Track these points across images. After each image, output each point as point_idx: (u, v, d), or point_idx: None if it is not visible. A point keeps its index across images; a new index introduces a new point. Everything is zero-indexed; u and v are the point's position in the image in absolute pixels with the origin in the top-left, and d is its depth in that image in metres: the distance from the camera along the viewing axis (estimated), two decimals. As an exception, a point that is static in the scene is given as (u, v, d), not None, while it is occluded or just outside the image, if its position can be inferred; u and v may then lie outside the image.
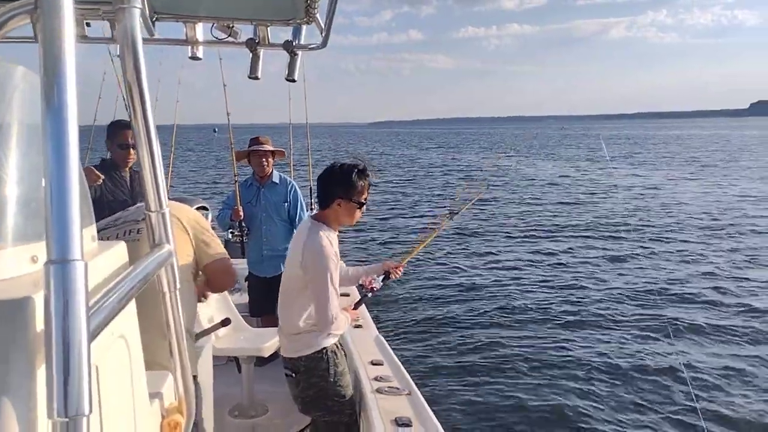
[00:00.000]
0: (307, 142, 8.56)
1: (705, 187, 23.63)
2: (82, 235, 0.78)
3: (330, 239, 2.81)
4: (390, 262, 3.36)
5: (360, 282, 3.28)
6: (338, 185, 2.81)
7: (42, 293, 0.79)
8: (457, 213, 4.08)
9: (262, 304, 4.86)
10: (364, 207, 2.90)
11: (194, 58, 2.29)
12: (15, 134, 1.08)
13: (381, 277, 3.26)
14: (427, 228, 4.00)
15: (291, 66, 2.27)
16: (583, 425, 5.35)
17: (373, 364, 3.29)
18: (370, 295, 3.32)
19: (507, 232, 14.38)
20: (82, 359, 0.75)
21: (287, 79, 2.32)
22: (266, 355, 3.98)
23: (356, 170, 2.84)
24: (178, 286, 1.49)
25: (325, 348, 2.86)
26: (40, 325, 0.88)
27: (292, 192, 5.03)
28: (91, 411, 0.75)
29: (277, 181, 5.03)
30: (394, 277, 3.31)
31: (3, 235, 1.01)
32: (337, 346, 2.96)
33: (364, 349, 3.51)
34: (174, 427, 1.55)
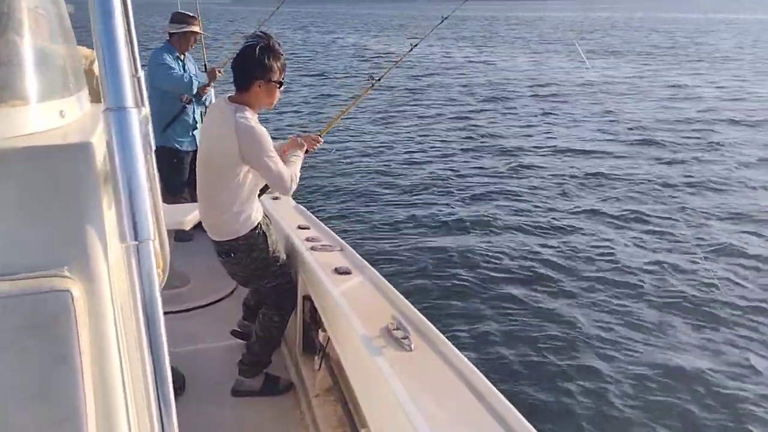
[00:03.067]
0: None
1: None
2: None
3: (256, 121, 2.86)
4: (307, 135, 3.41)
5: (287, 150, 3.29)
6: (257, 66, 2.80)
7: (95, 137, 0.95)
8: (379, 80, 4.17)
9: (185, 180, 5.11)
10: (282, 86, 2.92)
11: None
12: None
13: (299, 152, 3.30)
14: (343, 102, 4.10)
15: None
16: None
17: (301, 228, 3.50)
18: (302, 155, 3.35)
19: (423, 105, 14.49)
20: (144, 192, 0.87)
21: None
22: (188, 228, 4.06)
23: (273, 50, 2.84)
24: (153, 147, 1.56)
25: (258, 222, 2.98)
26: (99, 164, 0.99)
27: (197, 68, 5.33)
28: (153, 237, 0.89)
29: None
30: (311, 150, 3.38)
31: (32, 92, 1.08)
32: (266, 215, 3.12)
33: (288, 216, 3.71)
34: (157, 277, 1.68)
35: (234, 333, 3.54)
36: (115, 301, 1.02)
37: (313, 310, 3.09)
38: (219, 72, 5.20)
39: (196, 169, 3.02)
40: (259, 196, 3.09)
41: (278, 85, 2.89)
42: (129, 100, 0.87)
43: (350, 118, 11.60)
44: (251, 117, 2.82)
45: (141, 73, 1.48)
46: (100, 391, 0.99)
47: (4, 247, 0.93)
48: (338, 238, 3.38)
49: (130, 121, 0.87)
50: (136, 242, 0.88)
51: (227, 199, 2.88)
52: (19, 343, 0.90)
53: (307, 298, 3.17)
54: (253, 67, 2.80)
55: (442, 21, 5.03)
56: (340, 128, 12.81)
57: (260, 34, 2.89)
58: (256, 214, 2.98)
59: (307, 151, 3.35)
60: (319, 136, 3.48)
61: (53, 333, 0.92)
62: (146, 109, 1.49)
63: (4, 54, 1.04)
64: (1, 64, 1.04)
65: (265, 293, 3.19)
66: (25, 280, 0.91)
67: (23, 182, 0.95)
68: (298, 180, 2.98)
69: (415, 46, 4.62)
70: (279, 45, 2.89)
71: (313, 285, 2.97)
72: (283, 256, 3.15)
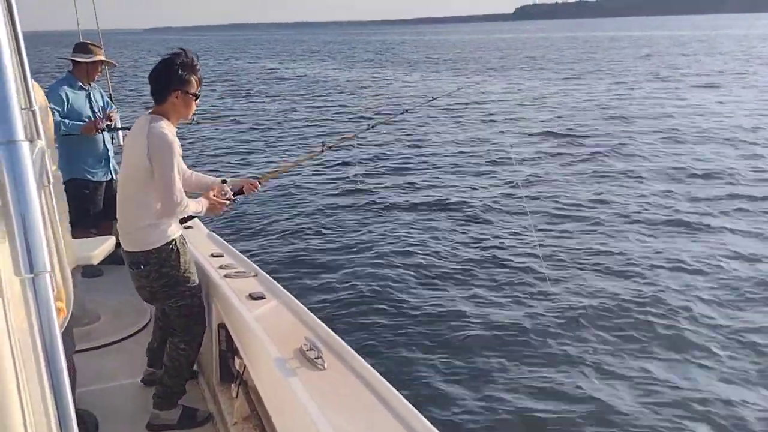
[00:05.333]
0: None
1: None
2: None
3: (172, 132, 2.91)
4: (246, 179, 3.46)
5: (212, 192, 3.25)
6: (174, 78, 2.89)
7: None
8: (329, 148, 4.28)
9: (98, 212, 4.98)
10: (198, 99, 3.01)
11: None
12: None
13: (233, 191, 3.31)
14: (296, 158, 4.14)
15: None
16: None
17: (214, 256, 3.48)
18: (219, 205, 3.27)
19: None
20: (38, 224, 0.88)
21: None
22: (96, 262, 3.95)
23: (190, 64, 2.93)
24: (51, 180, 1.54)
25: (174, 239, 2.99)
26: None
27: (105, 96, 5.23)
28: (51, 268, 0.89)
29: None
30: (247, 193, 3.42)
31: None
32: (183, 237, 3.09)
33: (201, 245, 3.68)
34: (59, 311, 1.63)
35: (144, 381, 3.46)
36: (13, 338, 1.02)
37: (229, 338, 3.07)
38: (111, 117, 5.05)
39: (119, 181, 3.05)
40: (182, 222, 3.11)
41: (194, 98, 2.97)
42: (19, 132, 0.89)
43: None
44: (166, 127, 2.88)
45: (35, 106, 1.47)
46: None
47: None
48: (252, 264, 3.38)
49: (21, 152, 0.89)
50: (32, 275, 0.89)
51: (142, 211, 2.91)
52: None
53: (222, 326, 3.15)
54: (170, 79, 2.89)
55: (405, 112, 5.36)
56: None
57: (178, 49, 2.97)
58: (171, 229, 2.98)
59: (242, 192, 3.39)
60: (258, 182, 3.50)
61: None
62: (42, 142, 1.48)
63: None
64: None
65: (172, 316, 3.15)
66: None
67: None
68: (187, 211, 3.00)
69: (373, 126, 4.78)
70: (197, 59, 2.98)
71: (227, 312, 2.96)
72: (195, 279, 3.12)
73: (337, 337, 2.42)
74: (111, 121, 5.02)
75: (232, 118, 19.41)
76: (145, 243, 2.95)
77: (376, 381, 2.11)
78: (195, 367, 3.60)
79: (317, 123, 18.27)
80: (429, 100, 7.90)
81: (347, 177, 11.43)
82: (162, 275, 3.00)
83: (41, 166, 1.51)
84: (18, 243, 0.89)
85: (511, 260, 7.28)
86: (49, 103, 4.75)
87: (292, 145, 15.33)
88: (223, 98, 25.21)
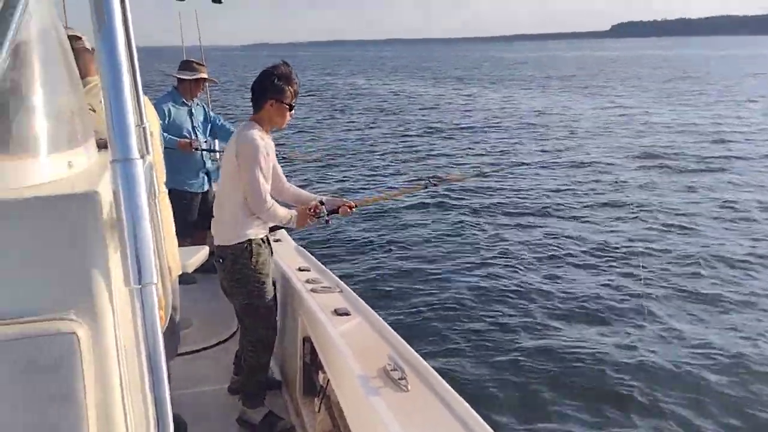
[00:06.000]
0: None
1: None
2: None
3: (262, 137, 3.08)
4: (343, 200, 3.50)
5: (307, 207, 3.31)
6: (270, 88, 3.08)
7: (101, 186, 1.02)
8: (435, 185, 4.26)
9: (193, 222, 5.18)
10: (293, 110, 3.17)
11: None
12: (38, 49, 1.16)
13: (328, 210, 3.34)
14: (400, 186, 4.08)
15: None
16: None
17: (301, 270, 3.55)
18: (310, 220, 3.34)
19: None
20: (148, 238, 0.92)
21: (214, 1, 2.30)
22: (190, 270, 4.11)
23: (288, 75, 3.11)
24: (159, 193, 1.63)
25: (249, 240, 3.13)
26: (105, 212, 1.05)
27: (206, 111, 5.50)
28: (156, 281, 0.94)
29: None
30: (342, 214, 3.47)
31: (42, 145, 1.15)
32: (263, 241, 3.20)
33: (288, 258, 3.77)
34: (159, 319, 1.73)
35: (230, 390, 3.57)
36: (120, 343, 1.07)
37: (313, 352, 3.12)
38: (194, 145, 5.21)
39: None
40: (272, 230, 3.25)
41: (289, 108, 3.14)
42: (134, 151, 0.94)
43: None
44: (256, 132, 3.07)
45: (146, 123, 1.56)
46: (104, 429, 1.03)
47: (12, 292, 0.99)
48: (338, 279, 3.43)
49: (135, 171, 0.93)
50: (140, 285, 0.93)
51: (228, 208, 3.15)
52: (25, 383, 0.95)
53: (306, 339, 3.20)
54: (267, 88, 3.09)
55: (521, 165, 4.99)
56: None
57: (280, 62, 3.17)
58: (251, 230, 3.13)
59: (336, 212, 3.42)
60: (355, 206, 3.53)
61: (59, 373, 0.96)
62: (150, 157, 1.56)
63: (15, 107, 1.11)
64: (12, 117, 1.11)
65: (241, 314, 3.32)
66: (31, 323, 0.96)
67: (31, 230, 1.01)
68: (273, 215, 3.13)
69: (484, 174, 4.65)
70: (294, 72, 3.16)
71: (312, 326, 3.00)
72: (267, 283, 3.21)
73: (421, 359, 2.40)
74: (210, 145, 5.25)
75: (338, 150, 17.79)
76: (225, 238, 3.16)
77: (460, 406, 2.07)
78: (279, 378, 3.68)
79: (424, 152, 16.92)
80: (550, 159, 7.51)
81: (445, 212, 10.73)
82: (234, 271, 3.16)
83: (150, 181, 1.60)
84: (129, 256, 0.94)
85: (609, 294, 6.92)
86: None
87: (394, 172, 14.38)
88: (323, 120, 24.41)
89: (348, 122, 23.85)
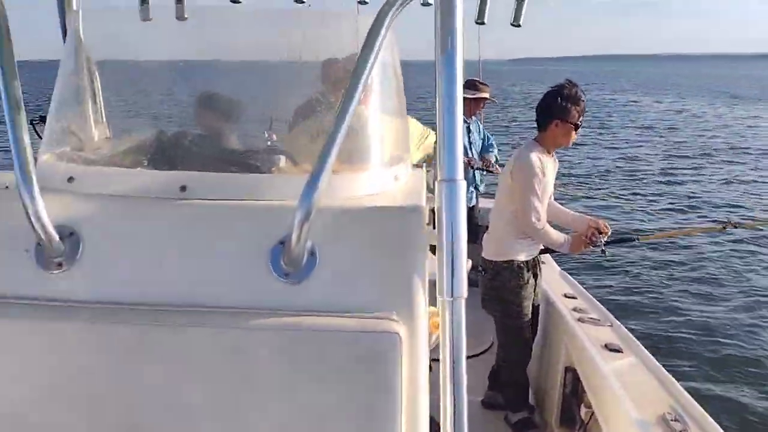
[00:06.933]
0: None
1: None
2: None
3: (540, 158, 3.07)
4: (623, 232, 3.38)
5: (584, 234, 3.22)
6: (555, 108, 3.06)
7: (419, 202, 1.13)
8: (734, 226, 4.14)
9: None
10: (579, 129, 3.12)
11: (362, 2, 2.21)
12: (379, 78, 1.32)
13: (605, 238, 3.19)
14: (689, 224, 3.75)
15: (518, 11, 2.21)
16: None
17: (567, 296, 3.45)
18: (585, 247, 3.25)
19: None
20: (464, 255, 0.99)
21: (513, 25, 2.28)
22: None
23: (573, 94, 3.07)
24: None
25: (513, 260, 3.14)
26: (423, 225, 1.15)
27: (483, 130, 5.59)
28: (465, 296, 1.00)
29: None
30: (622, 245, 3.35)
31: (377, 159, 1.32)
32: (528, 263, 3.18)
33: (552, 282, 3.67)
34: (436, 327, 1.85)
35: (483, 403, 3.57)
36: (426, 346, 1.14)
37: (575, 383, 2.99)
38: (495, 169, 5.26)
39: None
40: (543, 252, 3.25)
41: (574, 127, 3.09)
42: (460, 172, 0.99)
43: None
44: (535, 152, 3.06)
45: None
46: (412, 420, 1.11)
47: (350, 289, 1.11)
48: (607, 312, 3.25)
49: (459, 192, 0.99)
50: (451, 298, 0.98)
51: (500, 225, 3.20)
52: (353, 372, 1.06)
53: (569, 369, 3.09)
54: (552, 108, 3.08)
55: None
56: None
57: (565, 81, 3.16)
58: (516, 250, 3.14)
59: (621, 241, 3.41)
60: (637, 239, 3.50)
61: (382, 367, 1.06)
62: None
63: (353, 124, 1.25)
64: (358, 135, 1.25)
65: (496, 327, 3.34)
66: (366, 319, 1.07)
67: (365, 235, 1.12)
68: (544, 238, 3.11)
69: None
70: (582, 92, 3.11)
71: (579, 357, 2.89)
72: (525, 306, 3.18)
73: (705, 413, 2.16)
74: (485, 165, 5.31)
75: (613, 175, 16.36)
76: (491, 252, 3.21)
77: None
78: (531, 401, 3.60)
79: (717, 189, 14.55)
80: None
81: (740, 257, 9.11)
82: (492, 287, 3.20)
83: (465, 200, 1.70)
84: (444, 270, 0.98)
85: None
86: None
87: (682, 207, 12.61)
88: (596, 140, 22.44)
89: (623, 143, 21.99)
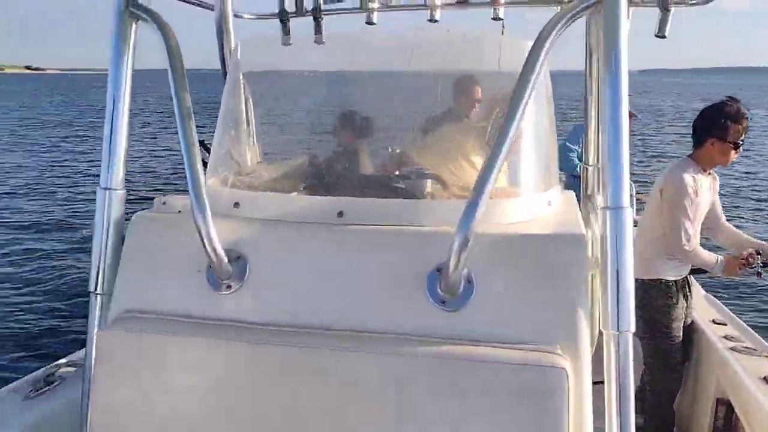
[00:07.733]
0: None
1: None
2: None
3: (694, 177, 2.91)
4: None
5: (739, 256, 3.02)
6: (712, 125, 2.90)
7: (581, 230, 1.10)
8: None
9: None
10: (740, 148, 2.93)
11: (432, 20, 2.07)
12: (535, 100, 1.28)
13: (763, 260, 2.99)
14: None
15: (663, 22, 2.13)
16: None
17: (716, 323, 3.19)
18: (740, 269, 3.03)
19: None
20: (630, 285, 0.96)
21: (657, 36, 2.21)
22: None
23: (733, 112, 2.89)
24: None
25: (661, 279, 3.00)
26: (587, 255, 1.11)
27: None
28: (633, 330, 0.97)
29: None
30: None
31: (530, 185, 1.31)
32: (676, 282, 3.02)
33: (698, 306, 3.41)
34: None
35: None
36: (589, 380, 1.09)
37: (729, 417, 2.76)
38: None
39: None
40: (693, 273, 3.08)
41: (734, 146, 2.91)
42: (626, 199, 0.94)
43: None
44: (688, 171, 2.91)
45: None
46: None
47: (506, 318, 1.08)
48: (763, 341, 2.97)
49: (626, 220, 0.94)
50: (617, 332, 0.93)
51: (646, 242, 3.02)
52: (518, 407, 1.02)
53: (722, 402, 2.85)
54: (710, 125, 2.92)
55: None
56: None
57: (726, 97, 3.00)
58: (663, 269, 3.00)
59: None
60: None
61: (549, 403, 1.01)
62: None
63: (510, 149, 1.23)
64: (511, 155, 1.22)
65: (643, 349, 3.11)
66: (529, 351, 1.03)
67: (521, 264, 1.09)
68: (694, 259, 2.94)
69: None
70: (745, 110, 2.94)
71: (734, 390, 2.66)
72: (673, 325, 3.02)
73: None
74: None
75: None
76: (637, 270, 2.95)
77: None
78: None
79: None
80: None
81: None
82: (639, 306, 2.93)
83: None
84: (610, 302, 0.94)
85: None
86: (571, 144, 5.21)
87: None
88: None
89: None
